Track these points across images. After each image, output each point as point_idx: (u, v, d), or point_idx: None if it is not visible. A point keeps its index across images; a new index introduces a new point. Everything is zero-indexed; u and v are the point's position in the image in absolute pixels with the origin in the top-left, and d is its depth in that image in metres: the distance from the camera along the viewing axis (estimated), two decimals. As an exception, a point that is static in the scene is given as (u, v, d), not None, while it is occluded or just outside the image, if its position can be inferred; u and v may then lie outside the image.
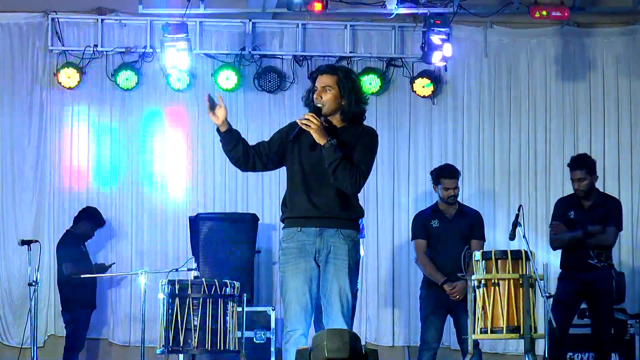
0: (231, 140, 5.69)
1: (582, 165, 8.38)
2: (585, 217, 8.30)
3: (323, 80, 5.71)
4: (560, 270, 8.46)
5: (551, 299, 7.14)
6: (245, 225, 9.58)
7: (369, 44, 10.81)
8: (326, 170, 5.57)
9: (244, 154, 5.71)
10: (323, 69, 5.79)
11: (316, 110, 5.64)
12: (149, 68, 10.61)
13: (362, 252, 8.60)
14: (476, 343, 7.71)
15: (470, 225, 8.42)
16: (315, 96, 5.68)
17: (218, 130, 5.70)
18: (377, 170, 10.62)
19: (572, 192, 8.52)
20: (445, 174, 8.49)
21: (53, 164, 10.53)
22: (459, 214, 8.47)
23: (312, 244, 5.64)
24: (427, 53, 9.97)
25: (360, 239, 8.59)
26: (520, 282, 6.85)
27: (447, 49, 9.92)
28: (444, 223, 8.43)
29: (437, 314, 8.32)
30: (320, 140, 5.56)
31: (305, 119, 5.57)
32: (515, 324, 6.85)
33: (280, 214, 5.83)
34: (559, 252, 8.57)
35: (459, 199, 8.66)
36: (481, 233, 8.47)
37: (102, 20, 10.56)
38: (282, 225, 5.79)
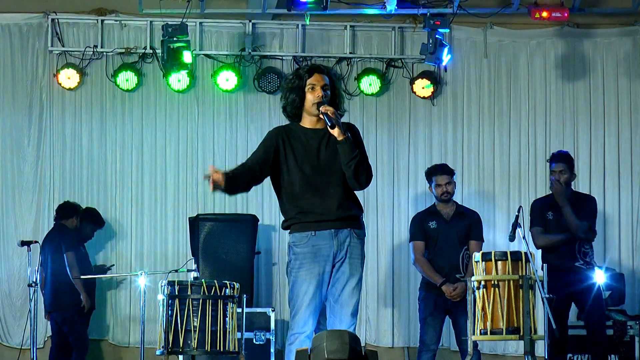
0: (233, 186, 5.61)
1: (563, 159, 8.40)
2: (561, 217, 8.28)
3: (322, 78, 5.67)
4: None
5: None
6: (245, 226, 9.58)
7: (368, 45, 10.81)
8: (345, 164, 5.54)
9: (248, 184, 5.65)
10: (321, 68, 5.74)
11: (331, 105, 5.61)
12: (149, 69, 10.61)
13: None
14: (475, 344, 7.71)
15: (468, 226, 8.41)
16: (320, 93, 5.62)
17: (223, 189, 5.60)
18: (376, 171, 10.62)
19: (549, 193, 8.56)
20: (436, 171, 8.52)
21: (53, 165, 10.54)
22: (457, 215, 8.47)
23: (329, 247, 5.63)
24: (438, 52, 9.88)
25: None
26: (520, 283, 6.84)
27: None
28: (442, 224, 8.42)
29: (435, 316, 8.31)
30: (339, 135, 5.53)
31: (330, 111, 5.52)
32: (515, 325, 6.84)
33: (283, 221, 5.74)
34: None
35: (458, 199, 8.65)
36: (479, 234, 8.46)
37: (102, 20, 10.56)
38: (289, 230, 5.73)
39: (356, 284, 5.66)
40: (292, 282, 5.68)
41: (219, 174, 5.52)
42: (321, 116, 5.57)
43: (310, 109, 5.65)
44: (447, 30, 10.11)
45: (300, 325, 5.62)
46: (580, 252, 8.27)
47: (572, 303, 8.45)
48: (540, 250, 8.46)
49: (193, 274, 8.94)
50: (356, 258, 5.69)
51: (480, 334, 6.97)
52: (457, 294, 8.18)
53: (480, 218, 8.59)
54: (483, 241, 8.47)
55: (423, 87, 10.62)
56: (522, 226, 7.15)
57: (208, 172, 5.54)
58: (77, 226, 9.96)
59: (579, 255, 8.26)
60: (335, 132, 5.52)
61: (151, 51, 10.52)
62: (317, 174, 5.63)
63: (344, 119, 5.72)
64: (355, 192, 5.78)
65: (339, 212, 5.62)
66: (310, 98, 5.64)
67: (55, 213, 10.00)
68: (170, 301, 7.29)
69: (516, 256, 6.94)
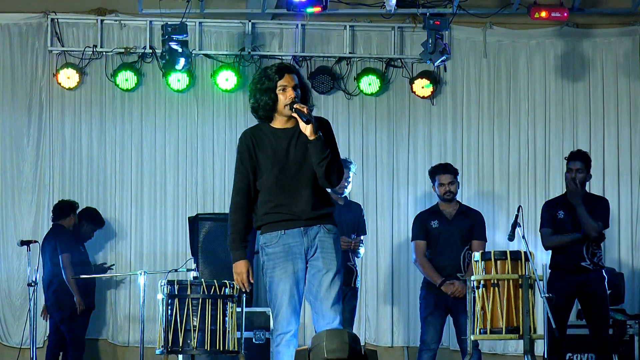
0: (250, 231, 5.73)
1: (581, 158, 8.43)
2: (574, 216, 8.28)
3: (292, 79, 5.61)
4: (549, 271, 8.40)
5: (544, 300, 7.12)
6: (244, 225, 9.56)
7: (368, 45, 10.82)
8: (317, 164, 5.51)
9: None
10: (291, 68, 5.70)
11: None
12: (149, 69, 10.62)
13: (362, 250, 8.66)
14: (476, 343, 7.71)
15: (470, 225, 8.39)
16: (292, 94, 5.56)
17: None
18: (376, 171, 10.63)
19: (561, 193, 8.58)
20: (439, 170, 8.51)
21: (52, 165, 10.54)
22: (460, 214, 8.45)
23: (300, 244, 5.59)
24: (435, 56, 9.88)
25: (362, 236, 8.65)
26: (520, 282, 6.85)
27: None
28: (444, 223, 8.41)
29: (436, 315, 8.30)
30: (311, 134, 5.50)
31: (305, 109, 5.51)
32: (515, 325, 6.84)
33: (254, 221, 5.69)
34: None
35: (458, 199, 8.65)
36: (482, 233, 8.43)
37: (102, 20, 10.57)
38: (260, 231, 5.71)
39: (332, 278, 5.59)
40: (268, 283, 5.67)
41: (248, 277, 5.66)
42: (294, 114, 5.54)
43: (283, 110, 5.60)
44: (447, 30, 10.12)
45: (284, 325, 5.59)
46: (589, 253, 8.26)
47: (575, 303, 8.45)
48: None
49: (192, 274, 8.93)
50: (329, 252, 5.61)
51: (480, 333, 6.97)
52: (456, 290, 8.16)
53: (483, 218, 8.56)
54: (486, 241, 8.44)
55: (422, 87, 10.62)
56: (521, 226, 7.15)
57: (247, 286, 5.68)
58: (75, 223, 9.97)
59: (587, 256, 8.25)
60: (309, 129, 5.49)
61: (151, 51, 10.52)
62: (287, 175, 5.59)
63: (315, 114, 5.68)
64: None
65: (310, 213, 5.60)
66: (283, 99, 5.59)
67: (51, 214, 10.01)
68: (169, 300, 7.30)
69: (516, 255, 6.94)
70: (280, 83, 5.60)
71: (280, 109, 5.62)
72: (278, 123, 5.67)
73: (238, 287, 5.69)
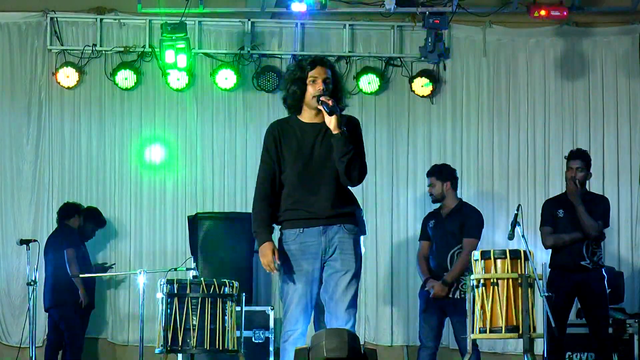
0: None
1: (581, 156, 8.43)
2: (573, 215, 8.28)
3: (324, 71, 5.62)
4: (549, 270, 8.38)
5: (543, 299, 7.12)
6: (244, 224, 9.53)
7: (367, 44, 10.81)
8: (338, 159, 5.50)
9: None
10: (324, 61, 5.68)
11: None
12: (148, 68, 10.61)
13: (363, 249, 8.66)
14: (475, 343, 7.70)
15: (460, 224, 8.38)
16: (321, 86, 5.56)
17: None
18: (375, 170, 10.63)
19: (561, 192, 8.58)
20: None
21: (52, 164, 10.54)
22: (454, 213, 8.43)
23: (318, 244, 5.59)
24: (432, 55, 9.90)
25: (362, 237, 8.65)
26: (519, 281, 6.84)
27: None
28: (437, 223, 8.45)
29: (430, 313, 8.31)
30: (335, 128, 5.49)
31: (330, 101, 5.48)
32: (514, 324, 6.84)
33: (278, 217, 5.70)
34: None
35: (465, 199, 8.69)
36: (473, 231, 8.34)
37: (101, 19, 10.56)
38: (280, 227, 5.72)
39: (350, 279, 5.57)
40: (281, 280, 5.67)
41: (274, 256, 5.58)
42: (319, 106, 5.52)
43: (310, 102, 5.59)
44: (447, 29, 10.12)
45: (292, 323, 5.59)
46: (589, 252, 8.25)
47: (574, 302, 8.45)
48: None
49: (192, 273, 8.93)
50: (348, 253, 5.61)
51: (480, 332, 6.97)
52: (433, 290, 8.17)
53: (477, 215, 8.49)
54: (477, 239, 8.34)
55: (422, 86, 10.62)
56: (521, 224, 7.14)
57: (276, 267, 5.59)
58: (80, 225, 9.98)
59: (587, 255, 8.25)
60: (333, 121, 5.47)
61: (150, 50, 10.52)
62: (310, 171, 5.58)
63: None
64: (350, 188, 5.75)
65: (330, 210, 5.58)
66: (311, 91, 5.58)
67: (57, 215, 10.01)
68: (169, 300, 7.30)
69: (515, 254, 6.93)
70: (311, 74, 5.60)
71: (308, 100, 5.60)
72: (306, 117, 5.65)
73: (267, 270, 5.60)
